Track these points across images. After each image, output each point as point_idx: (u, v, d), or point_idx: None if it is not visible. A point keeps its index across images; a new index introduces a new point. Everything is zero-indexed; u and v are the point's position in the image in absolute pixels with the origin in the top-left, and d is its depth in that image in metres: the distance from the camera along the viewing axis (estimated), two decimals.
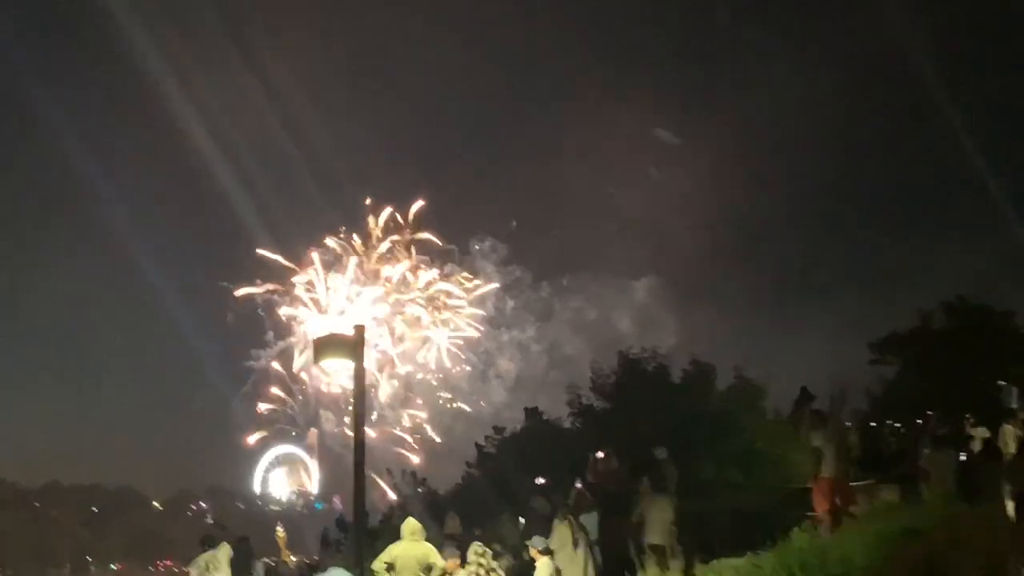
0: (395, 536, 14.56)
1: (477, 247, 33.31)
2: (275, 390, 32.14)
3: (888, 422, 22.52)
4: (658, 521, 16.46)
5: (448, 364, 32.34)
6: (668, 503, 16.55)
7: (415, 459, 33.32)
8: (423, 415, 32.34)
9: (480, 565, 14.34)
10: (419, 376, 31.81)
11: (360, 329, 10.82)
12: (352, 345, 10.44)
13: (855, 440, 19.84)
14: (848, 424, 23.05)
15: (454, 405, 32.73)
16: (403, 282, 31.83)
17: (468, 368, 32.82)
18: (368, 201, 32.53)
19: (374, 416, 30.54)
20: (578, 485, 17.13)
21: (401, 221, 32.50)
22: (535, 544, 14.40)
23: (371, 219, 31.96)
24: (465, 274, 33.38)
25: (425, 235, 32.22)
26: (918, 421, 22.65)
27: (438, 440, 33.39)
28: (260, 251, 31.33)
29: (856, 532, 12.74)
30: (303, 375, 30.17)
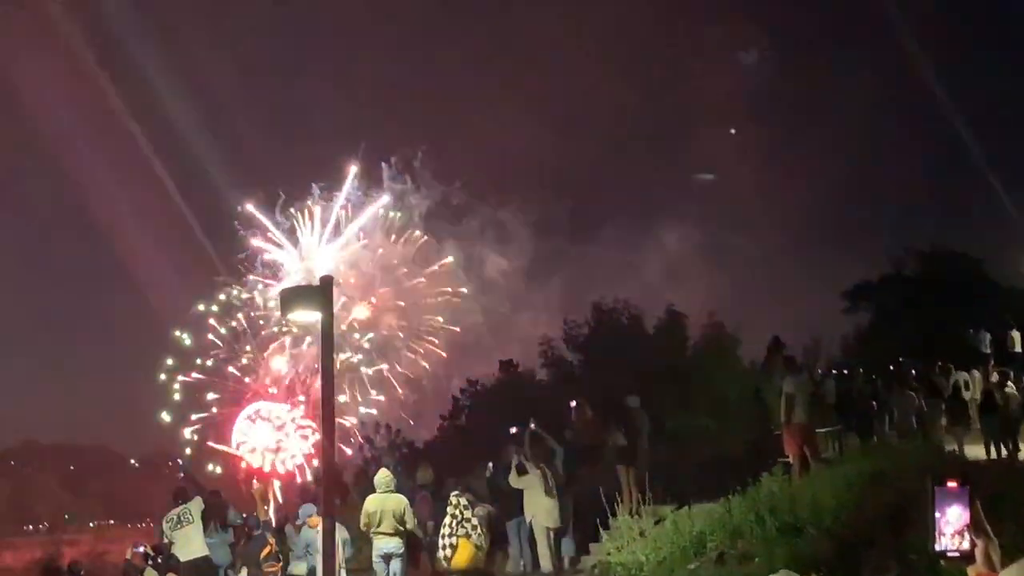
0: (370, 487, 14.60)
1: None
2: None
3: (861, 370, 22.55)
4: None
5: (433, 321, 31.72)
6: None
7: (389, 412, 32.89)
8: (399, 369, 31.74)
9: (453, 516, 14.39)
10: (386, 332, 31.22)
11: (327, 279, 10.61)
12: (319, 296, 10.21)
13: (831, 387, 19.93)
14: (820, 372, 23.22)
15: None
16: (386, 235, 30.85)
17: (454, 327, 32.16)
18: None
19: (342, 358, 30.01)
20: (531, 426, 17.00)
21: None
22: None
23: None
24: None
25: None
26: (891, 368, 22.78)
27: (412, 396, 32.96)
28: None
29: (827, 476, 12.80)
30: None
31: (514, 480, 15.98)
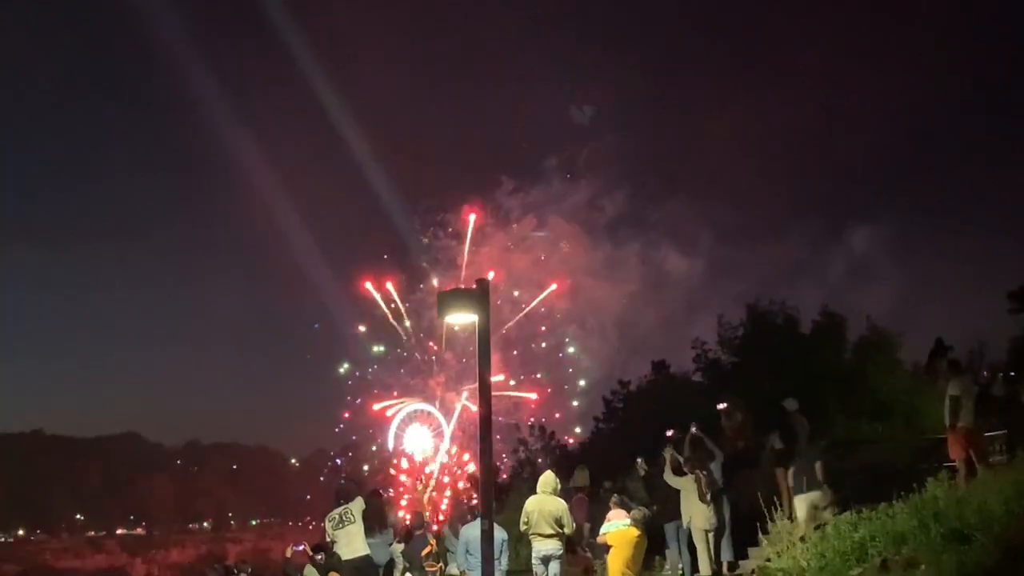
0: (525, 490, 14.77)
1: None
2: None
3: None
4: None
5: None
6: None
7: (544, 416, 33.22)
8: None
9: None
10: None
11: (484, 282, 10.81)
12: (476, 299, 10.42)
13: (999, 389, 19.27)
14: (986, 373, 22.46)
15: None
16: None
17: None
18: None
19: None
20: (693, 430, 16.94)
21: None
22: None
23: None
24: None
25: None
26: None
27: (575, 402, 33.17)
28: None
29: (995, 482, 12.37)
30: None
31: (669, 477, 15.97)
